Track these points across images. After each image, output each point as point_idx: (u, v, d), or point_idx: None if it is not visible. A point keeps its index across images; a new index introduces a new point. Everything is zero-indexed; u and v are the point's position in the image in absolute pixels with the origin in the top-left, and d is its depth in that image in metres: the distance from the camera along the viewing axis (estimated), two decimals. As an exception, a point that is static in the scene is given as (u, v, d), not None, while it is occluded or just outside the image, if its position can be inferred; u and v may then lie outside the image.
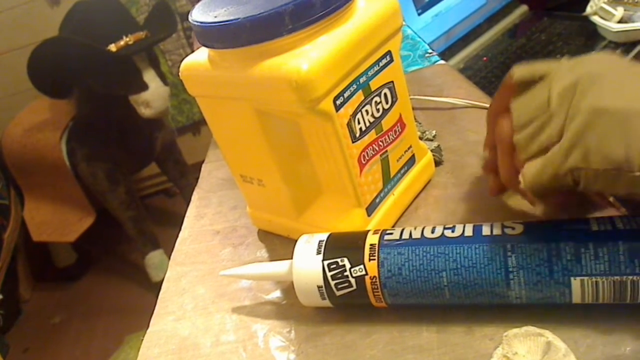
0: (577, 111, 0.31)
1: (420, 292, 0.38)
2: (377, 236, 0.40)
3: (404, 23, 0.47)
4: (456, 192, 0.52)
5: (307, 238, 0.43)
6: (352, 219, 0.47)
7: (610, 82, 0.31)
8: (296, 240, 0.43)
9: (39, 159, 1.68)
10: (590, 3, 1.19)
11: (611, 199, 0.41)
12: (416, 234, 0.39)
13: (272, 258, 0.52)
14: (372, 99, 0.45)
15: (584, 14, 1.19)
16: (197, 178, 0.70)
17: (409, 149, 0.51)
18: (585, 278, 0.34)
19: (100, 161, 1.65)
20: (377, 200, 0.48)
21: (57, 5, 1.94)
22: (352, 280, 0.40)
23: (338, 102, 0.41)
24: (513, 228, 0.37)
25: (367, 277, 0.39)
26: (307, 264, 0.41)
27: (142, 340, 0.47)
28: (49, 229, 1.75)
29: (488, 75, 1.17)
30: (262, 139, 0.45)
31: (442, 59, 0.81)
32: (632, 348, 0.34)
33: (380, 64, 0.45)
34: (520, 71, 0.36)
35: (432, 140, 0.59)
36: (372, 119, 0.45)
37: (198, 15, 0.42)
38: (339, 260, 0.40)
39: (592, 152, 0.30)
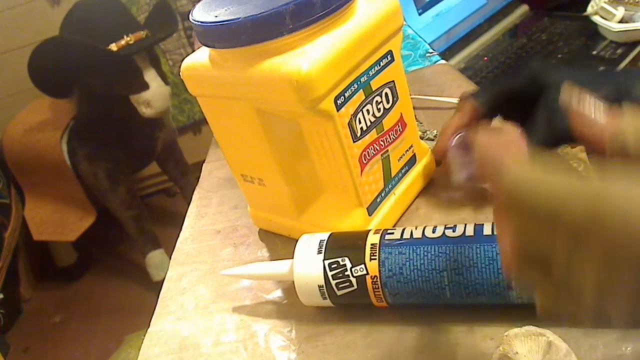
0: None
1: (421, 292, 0.38)
2: (378, 236, 0.40)
3: (404, 23, 0.47)
4: (457, 191, 0.52)
5: (308, 238, 0.43)
6: (353, 219, 0.47)
7: None
8: (297, 240, 0.43)
9: (40, 159, 1.67)
10: (591, 3, 1.19)
11: None
12: (417, 234, 0.39)
13: (273, 258, 0.52)
14: (373, 98, 0.45)
15: (585, 13, 1.19)
16: (198, 177, 0.70)
17: (409, 148, 0.51)
18: (586, 278, 0.34)
19: (101, 161, 1.65)
20: (378, 199, 0.48)
21: (57, 4, 1.93)
22: (353, 280, 0.40)
23: (339, 102, 0.41)
24: (514, 228, 0.37)
25: (368, 277, 0.39)
26: (308, 264, 0.41)
27: (143, 339, 0.47)
28: (50, 228, 1.75)
29: (489, 75, 1.17)
30: (263, 139, 0.45)
31: (442, 58, 0.81)
32: (632, 348, 0.34)
33: (381, 64, 0.45)
34: None
35: (433, 140, 0.59)
36: (373, 119, 0.45)
37: (199, 14, 0.42)
38: (339, 259, 0.40)
39: None
